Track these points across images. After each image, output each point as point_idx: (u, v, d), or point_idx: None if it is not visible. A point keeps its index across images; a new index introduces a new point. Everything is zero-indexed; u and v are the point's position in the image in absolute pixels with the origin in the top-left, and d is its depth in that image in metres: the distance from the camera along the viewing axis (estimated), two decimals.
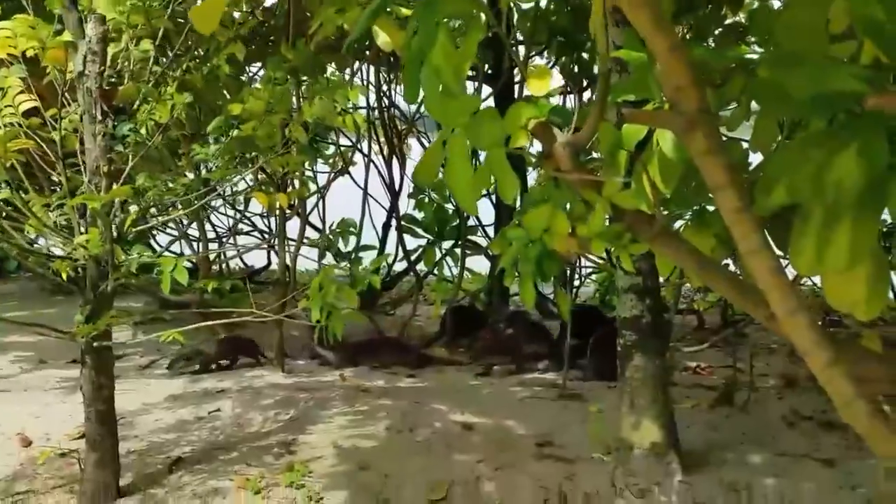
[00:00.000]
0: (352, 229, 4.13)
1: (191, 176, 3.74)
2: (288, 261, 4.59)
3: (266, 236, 6.49)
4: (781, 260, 1.36)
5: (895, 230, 4.37)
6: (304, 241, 4.67)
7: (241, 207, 6.36)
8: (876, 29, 1.04)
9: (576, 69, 5.60)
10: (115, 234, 2.49)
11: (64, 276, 2.60)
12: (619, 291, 3.06)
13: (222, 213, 6.67)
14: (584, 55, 5.61)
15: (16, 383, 4.15)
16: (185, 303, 5.52)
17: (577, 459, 3.02)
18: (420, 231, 5.70)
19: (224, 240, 6.69)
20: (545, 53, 5.91)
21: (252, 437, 3.26)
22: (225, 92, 4.20)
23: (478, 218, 6.00)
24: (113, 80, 2.64)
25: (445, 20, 1.39)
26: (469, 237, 5.77)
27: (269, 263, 7.16)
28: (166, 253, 4.45)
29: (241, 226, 6.69)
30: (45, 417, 3.54)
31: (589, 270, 6.00)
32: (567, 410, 3.59)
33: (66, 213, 2.61)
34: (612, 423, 3.11)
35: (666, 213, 1.83)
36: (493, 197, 5.98)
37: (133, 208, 2.72)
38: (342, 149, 5.92)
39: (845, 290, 1.39)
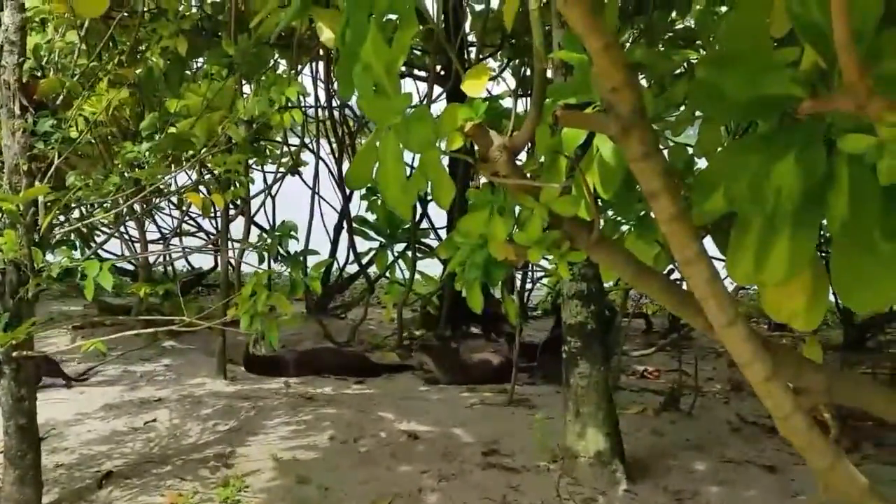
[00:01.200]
0: (292, 232, 4.02)
1: (127, 175, 3.59)
2: (232, 262, 4.45)
3: (211, 237, 6.31)
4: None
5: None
6: (250, 242, 4.54)
7: (186, 208, 6.17)
8: (813, 31, 1.00)
9: (528, 72, 5.59)
10: (35, 236, 2.35)
11: None
12: (564, 298, 3.03)
13: (166, 214, 6.47)
14: None
15: None
16: (126, 307, 5.33)
17: (523, 469, 2.97)
18: (372, 233, 5.62)
19: (168, 241, 6.48)
20: (498, 55, 5.90)
21: (188, 448, 3.13)
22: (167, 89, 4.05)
23: (430, 220, 5.94)
24: (36, 73, 2.50)
25: (378, 15, 1.32)
26: (421, 240, 5.70)
27: (217, 265, 6.97)
28: (94, 256, 4.27)
29: (185, 226, 6.50)
30: None
31: (540, 274, 5.99)
32: (515, 417, 3.54)
33: None
34: (559, 431, 3.08)
35: (608, 219, 1.79)
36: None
37: (56, 210, 2.57)
38: (292, 148, 5.78)
39: (784, 302, 1.36)
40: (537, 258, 1.61)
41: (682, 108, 1.70)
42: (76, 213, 3.27)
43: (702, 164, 1.65)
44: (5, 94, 2.23)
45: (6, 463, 2.44)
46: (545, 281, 5.96)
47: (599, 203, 1.65)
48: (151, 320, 3.05)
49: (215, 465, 2.93)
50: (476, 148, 1.48)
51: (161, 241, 6.46)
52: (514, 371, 3.78)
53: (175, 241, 6.49)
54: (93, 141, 3.27)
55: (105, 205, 2.93)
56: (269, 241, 3.36)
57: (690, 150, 1.73)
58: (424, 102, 5.01)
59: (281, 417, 3.54)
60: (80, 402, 3.70)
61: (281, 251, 4.22)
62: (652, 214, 1.87)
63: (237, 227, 4.83)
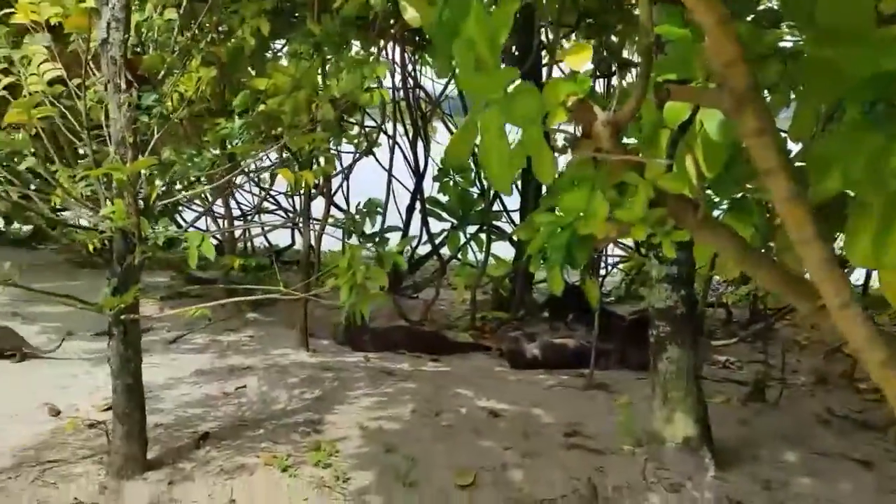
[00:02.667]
0: (378, 209, 4.09)
1: (216, 151, 3.71)
2: (312, 240, 4.56)
3: (290, 215, 6.45)
4: None
5: None
6: (329, 220, 4.64)
7: (266, 185, 6.33)
8: None
9: (604, 52, 5.51)
10: (140, 206, 2.46)
11: (90, 247, 2.59)
12: (653, 281, 3.00)
13: (246, 191, 6.66)
14: (613, 38, 5.51)
15: (41, 355, 4.16)
16: (211, 279, 5.52)
17: (606, 451, 2.97)
18: (444, 214, 5.65)
19: (248, 218, 6.67)
20: (573, 36, 5.82)
21: (278, 414, 3.24)
22: (250, 68, 4.16)
23: (503, 202, 5.94)
24: (137, 49, 2.60)
25: None
26: (494, 222, 5.71)
27: (293, 243, 7.13)
28: (191, 229, 4.43)
29: (265, 204, 6.67)
30: (72, 388, 3.54)
31: (616, 259, 5.92)
32: (595, 400, 3.54)
33: (91, 185, 2.58)
34: (642, 416, 3.06)
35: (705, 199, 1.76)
36: (520, 181, 5.90)
37: (158, 182, 2.68)
38: (367, 129, 5.86)
39: None
40: (641, 235, 1.60)
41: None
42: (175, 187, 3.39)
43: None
44: (112, 70, 2.32)
45: (115, 419, 2.58)
46: (621, 266, 5.90)
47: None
48: (249, 289, 3.15)
49: (305, 431, 3.03)
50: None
51: (241, 218, 6.66)
52: (592, 355, 3.77)
53: (255, 217, 6.68)
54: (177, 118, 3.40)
55: (202, 179, 3.05)
56: (356, 218, 3.45)
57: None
58: None
59: (363, 389, 3.62)
60: (173, 367, 3.86)
61: (365, 229, 4.32)
62: (749, 196, 1.84)
63: (315, 206, 4.94)
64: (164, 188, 2.73)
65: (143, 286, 5.82)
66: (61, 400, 3.37)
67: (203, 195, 4.43)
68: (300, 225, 5.90)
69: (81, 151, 2.88)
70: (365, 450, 2.89)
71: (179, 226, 5.43)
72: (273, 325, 4.94)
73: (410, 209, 6.21)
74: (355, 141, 5.61)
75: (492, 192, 5.56)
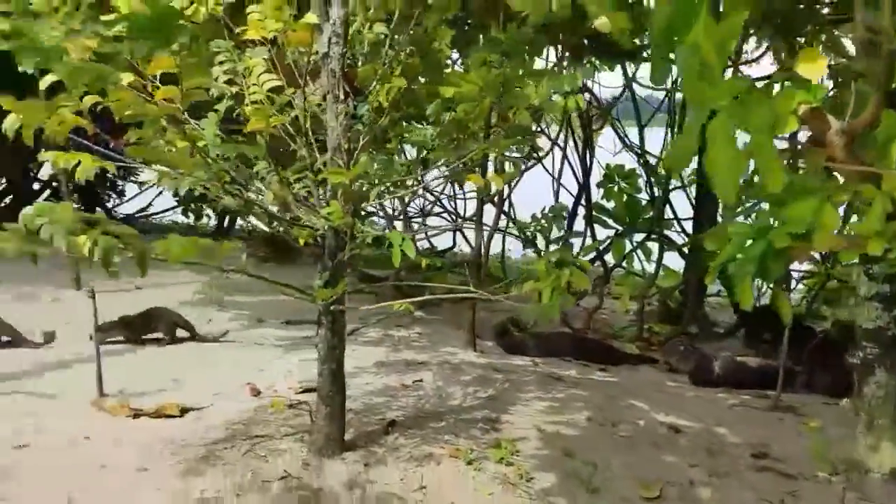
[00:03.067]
0: (563, 215, 4.10)
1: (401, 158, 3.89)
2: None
3: (455, 219, 6.64)
4: None
5: None
6: (500, 225, 4.74)
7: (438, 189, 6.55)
8: None
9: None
10: (352, 207, 2.63)
11: (301, 242, 2.83)
12: (860, 299, 2.80)
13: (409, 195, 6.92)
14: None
15: (237, 339, 4.55)
16: (382, 277, 5.80)
17: (799, 476, 2.81)
18: (610, 221, 5.57)
19: (415, 220, 6.93)
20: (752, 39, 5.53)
21: (456, 409, 3.35)
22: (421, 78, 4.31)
23: (674, 211, 5.77)
24: (349, 62, 2.78)
25: None
26: (661, 230, 5.56)
27: (454, 245, 7.33)
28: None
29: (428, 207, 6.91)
30: (267, 371, 3.85)
31: (800, 275, 5.57)
32: (783, 423, 3.36)
33: (306, 185, 2.80)
34: (836, 442, 2.87)
35: None
36: (693, 189, 5.72)
37: (368, 185, 2.85)
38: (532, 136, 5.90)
39: None
40: (878, 250, 1.52)
41: None
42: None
43: None
44: (331, 81, 2.50)
45: (319, 401, 2.78)
46: (805, 282, 5.54)
47: None
48: (437, 288, 3.28)
49: (484, 428, 3.12)
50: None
51: (408, 220, 6.93)
52: (780, 374, 3.57)
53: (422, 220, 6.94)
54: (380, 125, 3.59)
55: (399, 183, 3.21)
56: (542, 223, 3.49)
57: None
58: None
59: (534, 393, 3.66)
60: (355, 358, 4.08)
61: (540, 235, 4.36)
62: None
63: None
64: (377, 190, 2.91)
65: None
66: (259, 381, 3.68)
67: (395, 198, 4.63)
68: (462, 228, 6.08)
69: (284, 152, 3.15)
70: (545, 452, 2.92)
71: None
72: (438, 324, 5.10)
73: (573, 215, 6.20)
74: (525, 148, 5.69)
75: (663, 200, 5.43)
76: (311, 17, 2.36)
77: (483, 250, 4.53)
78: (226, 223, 9.56)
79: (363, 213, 2.73)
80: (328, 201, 2.53)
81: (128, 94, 1.99)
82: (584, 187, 5.92)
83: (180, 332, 4.40)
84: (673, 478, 2.75)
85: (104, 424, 3.10)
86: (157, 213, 9.78)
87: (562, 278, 2.24)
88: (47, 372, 3.76)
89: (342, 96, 2.44)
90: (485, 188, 3.52)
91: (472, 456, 2.80)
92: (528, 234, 3.88)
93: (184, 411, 3.24)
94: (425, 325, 5.06)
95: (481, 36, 4.19)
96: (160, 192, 9.67)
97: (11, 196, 8.75)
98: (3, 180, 7.87)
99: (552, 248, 4.06)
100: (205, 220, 9.73)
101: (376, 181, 3.00)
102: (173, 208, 9.90)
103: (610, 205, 5.54)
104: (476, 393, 3.60)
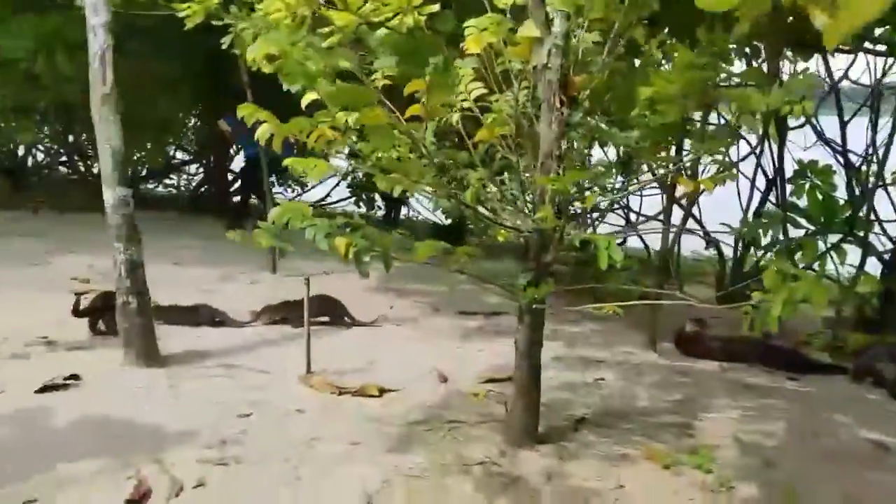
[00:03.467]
0: (780, 218, 3.91)
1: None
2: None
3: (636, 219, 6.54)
4: None
5: None
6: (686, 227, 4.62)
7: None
8: None
9: None
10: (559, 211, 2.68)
11: (500, 239, 2.92)
12: None
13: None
14: None
15: (418, 327, 4.79)
16: (559, 273, 5.84)
17: None
18: (802, 221, 5.24)
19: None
20: None
21: (644, 411, 3.34)
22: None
23: (875, 211, 5.34)
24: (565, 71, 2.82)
25: None
26: (862, 232, 5.16)
27: (623, 241, 7.22)
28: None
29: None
30: (449, 359, 4.03)
31: None
32: None
33: (510, 188, 2.89)
34: None
35: None
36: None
37: (576, 191, 2.88)
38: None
39: None
40: None
41: None
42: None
43: None
44: (548, 91, 2.55)
45: (516, 394, 2.88)
46: None
47: None
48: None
49: (678, 432, 3.09)
50: None
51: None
52: None
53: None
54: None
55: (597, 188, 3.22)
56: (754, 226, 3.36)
57: None
58: None
59: (724, 400, 3.56)
60: None
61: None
62: None
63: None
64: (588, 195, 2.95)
65: (490, 272, 6.37)
66: (443, 368, 3.86)
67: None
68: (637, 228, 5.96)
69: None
70: (744, 461, 2.85)
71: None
72: (612, 321, 5.04)
73: (758, 214, 5.90)
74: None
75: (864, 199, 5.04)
76: (533, 32, 2.43)
77: (670, 250, 4.44)
78: (392, 213, 10.04)
79: (568, 216, 2.76)
80: (535, 204, 2.60)
81: (381, 113, 2.17)
82: (774, 183, 5.61)
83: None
84: (881, 497, 2.58)
85: (313, 400, 3.39)
86: (333, 203, 10.42)
87: (797, 291, 2.14)
88: (256, 349, 4.15)
89: (558, 105, 2.49)
90: (695, 191, 3.45)
91: (669, 460, 2.78)
92: (743, 236, 3.72)
93: (382, 392, 3.48)
94: (598, 322, 5.05)
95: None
96: (337, 184, 10.32)
97: (208, 185, 9.65)
98: (201, 170, 8.72)
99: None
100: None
101: (585, 186, 3.03)
102: (347, 198, 10.54)
103: (800, 202, 5.22)
104: (663, 396, 3.56)
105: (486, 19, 2.73)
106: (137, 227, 3.65)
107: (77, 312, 4.20)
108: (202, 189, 10.56)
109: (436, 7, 2.77)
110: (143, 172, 10.19)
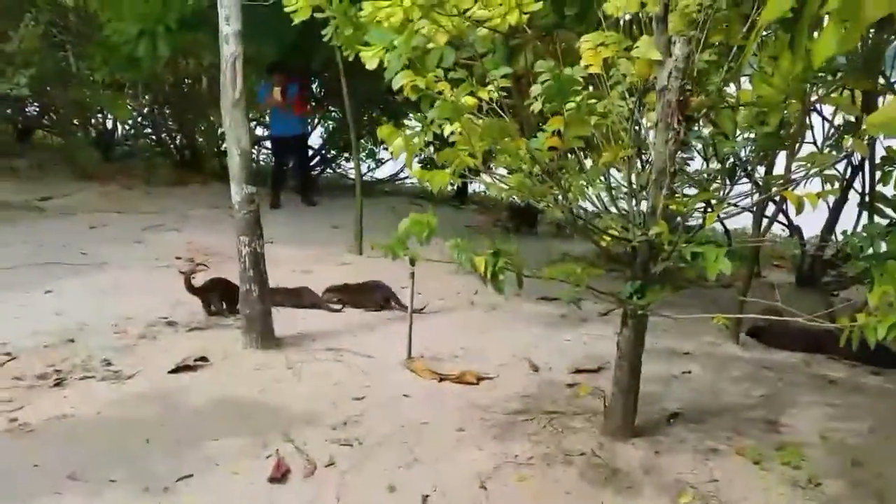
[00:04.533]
0: None
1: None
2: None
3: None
4: None
5: None
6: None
7: None
8: None
9: None
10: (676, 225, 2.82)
11: (604, 244, 3.11)
12: None
13: None
14: None
15: (503, 313, 5.00)
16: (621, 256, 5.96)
17: None
18: (890, 211, 5.21)
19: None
20: None
21: (733, 407, 3.51)
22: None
23: None
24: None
25: None
26: None
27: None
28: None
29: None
30: (538, 348, 4.26)
31: None
32: None
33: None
34: None
35: None
36: None
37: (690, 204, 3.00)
38: None
39: None
40: None
41: None
42: None
43: None
44: (665, 111, 2.68)
45: (616, 390, 3.08)
46: None
47: None
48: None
49: (765, 428, 3.26)
50: None
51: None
52: None
53: None
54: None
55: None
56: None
57: None
58: None
59: (809, 396, 3.69)
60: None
61: None
62: None
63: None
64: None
65: (569, 255, 6.52)
66: (533, 357, 4.09)
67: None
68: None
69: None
70: (831, 459, 3.00)
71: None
72: (693, 309, 5.15)
73: (841, 202, 5.86)
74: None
75: None
76: (654, 55, 2.57)
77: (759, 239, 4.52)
78: (464, 190, 10.22)
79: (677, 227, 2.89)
80: (645, 217, 2.77)
81: (521, 143, 2.37)
82: (860, 170, 5.57)
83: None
84: None
85: (417, 385, 3.67)
86: (405, 178, 10.66)
87: None
88: (355, 332, 4.45)
89: (675, 125, 2.62)
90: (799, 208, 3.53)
91: (758, 456, 2.96)
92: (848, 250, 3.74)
93: (479, 379, 3.74)
94: (679, 310, 5.15)
95: None
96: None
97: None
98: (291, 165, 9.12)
99: None
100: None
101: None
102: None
103: (887, 190, 5.18)
104: (749, 391, 3.72)
105: (603, 35, 2.88)
106: (260, 221, 3.95)
107: (191, 289, 4.56)
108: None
109: (538, 5, 2.93)
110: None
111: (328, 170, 11.03)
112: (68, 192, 8.32)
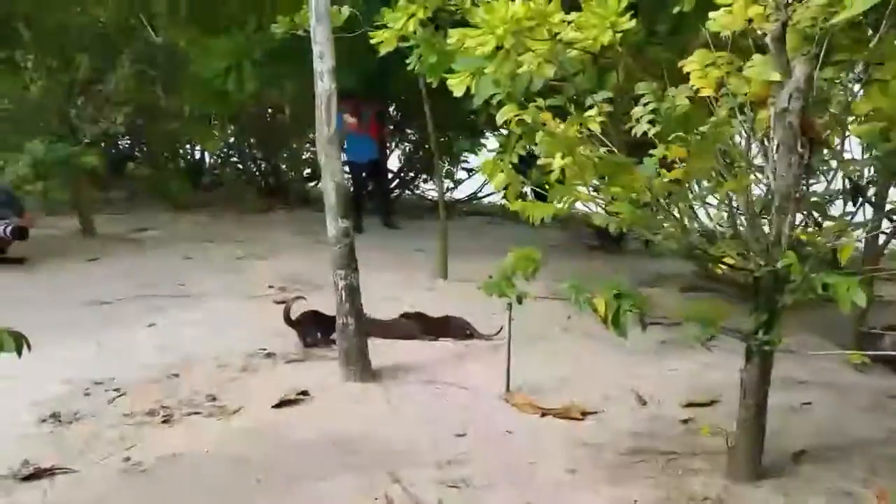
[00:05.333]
0: None
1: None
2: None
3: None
4: None
5: None
6: None
7: None
8: None
9: None
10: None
11: (717, 270, 2.94)
12: None
13: None
14: None
15: (602, 340, 4.83)
16: (729, 278, 5.70)
17: None
18: None
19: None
20: None
21: (863, 442, 3.26)
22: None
23: None
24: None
25: None
26: None
27: None
28: None
29: None
30: (641, 378, 4.09)
31: None
32: None
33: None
34: None
35: None
36: None
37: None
38: None
39: None
40: None
41: None
42: None
43: None
44: (788, 133, 2.51)
45: (740, 430, 2.89)
46: None
47: None
48: None
49: None
50: None
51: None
52: None
53: None
54: None
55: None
56: None
57: None
58: None
59: None
60: (724, 368, 4.13)
61: None
62: None
63: None
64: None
65: (662, 275, 6.31)
66: (638, 388, 3.92)
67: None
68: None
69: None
70: None
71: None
72: (802, 331, 4.87)
73: None
74: None
75: None
76: (773, 76, 2.42)
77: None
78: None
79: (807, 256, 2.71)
80: (769, 245, 2.60)
81: (639, 177, 2.27)
82: None
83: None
84: None
85: (519, 420, 3.57)
86: (484, 197, 10.63)
87: None
88: (448, 363, 4.39)
89: (800, 148, 2.46)
90: None
91: None
92: None
93: (584, 414, 3.60)
94: (788, 332, 4.88)
95: None
96: (486, 182, 10.53)
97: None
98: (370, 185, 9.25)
99: None
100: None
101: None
102: (494, 193, 10.71)
103: None
104: (878, 423, 3.45)
105: (712, 55, 2.74)
106: (355, 254, 3.95)
107: (289, 321, 4.61)
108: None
109: (631, 23, 2.82)
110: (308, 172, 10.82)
111: (406, 192, 11.10)
112: (162, 222, 8.66)
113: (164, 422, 3.52)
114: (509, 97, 2.88)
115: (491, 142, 10.57)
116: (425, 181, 11.18)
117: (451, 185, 10.56)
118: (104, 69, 7.90)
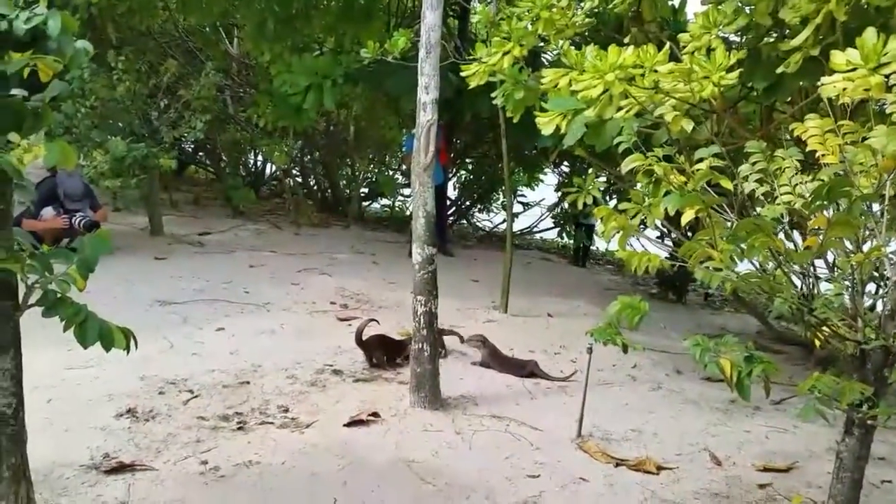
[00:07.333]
0: None
1: None
2: None
3: None
4: None
5: None
6: None
7: None
8: None
9: None
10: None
11: (817, 344, 2.88)
12: None
13: None
14: None
15: (669, 392, 4.78)
16: (793, 339, 5.62)
17: None
18: None
19: None
20: None
21: None
22: None
23: None
24: None
25: None
26: None
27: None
28: None
29: None
30: (715, 437, 4.01)
31: None
32: None
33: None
34: None
35: None
36: None
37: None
38: None
39: None
40: None
41: None
42: None
43: None
44: None
45: (835, 502, 2.81)
46: None
47: None
48: None
49: None
50: None
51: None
52: None
53: None
54: None
55: None
56: None
57: None
58: None
59: None
60: (797, 438, 4.05)
61: None
62: None
63: None
64: None
65: (726, 329, 6.21)
66: (711, 447, 3.84)
67: None
68: None
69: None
70: None
71: None
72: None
73: None
74: None
75: None
76: None
77: None
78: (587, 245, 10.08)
79: None
80: (882, 318, 2.55)
81: (777, 242, 2.26)
82: None
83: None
84: None
85: (593, 468, 3.51)
86: (539, 231, 10.65)
87: None
88: (517, 399, 4.36)
89: None
90: None
91: None
92: None
93: (659, 469, 3.54)
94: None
95: None
96: (542, 216, 10.55)
97: None
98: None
99: None
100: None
101: None
102: (550, 228, 10.72)
103: None
104: None
105: (831, 122, 2.72)
106: (437, 281, 3.97)
107: (360, 342, 4.64)
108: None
109: (733, 76, 2.81)
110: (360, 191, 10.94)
111: (461, 221, 11.16)
112: (223, 227, 8.81)
113: (238, 428, 3.55)
114: (635, 146, 2.88)
115: (549, 178, 10.62)
116: (480, 211, 11.23)
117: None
118: (187, 75, 8.14)
